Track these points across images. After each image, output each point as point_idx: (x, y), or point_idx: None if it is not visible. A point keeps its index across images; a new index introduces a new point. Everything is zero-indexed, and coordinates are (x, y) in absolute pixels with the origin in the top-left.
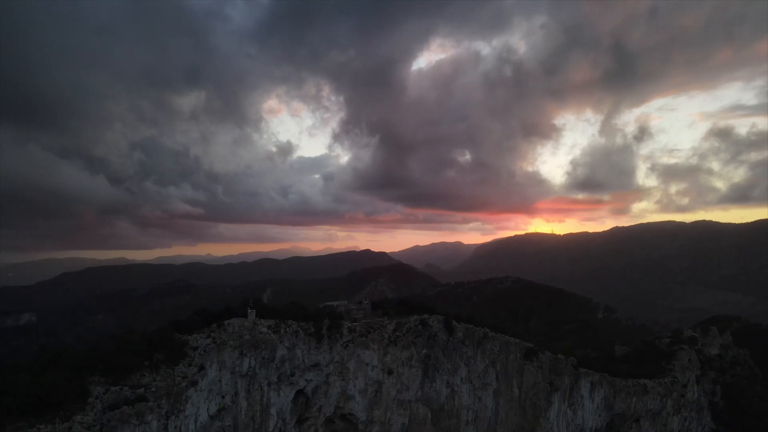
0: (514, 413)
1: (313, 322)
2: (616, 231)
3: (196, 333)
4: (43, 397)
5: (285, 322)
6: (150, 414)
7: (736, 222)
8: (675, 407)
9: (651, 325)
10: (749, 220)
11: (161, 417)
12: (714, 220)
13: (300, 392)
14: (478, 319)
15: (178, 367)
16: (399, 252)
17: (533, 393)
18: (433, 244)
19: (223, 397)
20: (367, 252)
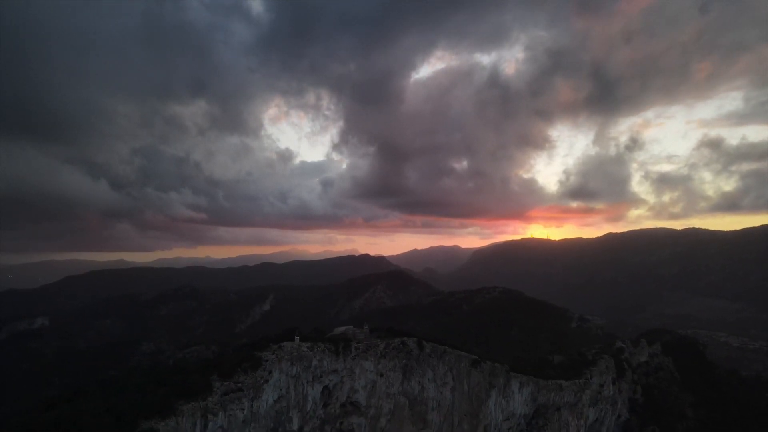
0: (465, 402)
1: (333, 344)
2: (609, 237)
3: (266, 351)
4: (189, 388)
5: (317, 344)
6: (245, 398)
7: (725, 230)
8: (592, 401)
9: (622, 333)
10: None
11: (249, 400)
12: (704, 227)
13: (325, 387)
14: (443, 338)
15: (257, 371)
16: (397, 255)
17: (477, 389)
18: (432, 248)
19: (281, 389)
20: (366, 257)
